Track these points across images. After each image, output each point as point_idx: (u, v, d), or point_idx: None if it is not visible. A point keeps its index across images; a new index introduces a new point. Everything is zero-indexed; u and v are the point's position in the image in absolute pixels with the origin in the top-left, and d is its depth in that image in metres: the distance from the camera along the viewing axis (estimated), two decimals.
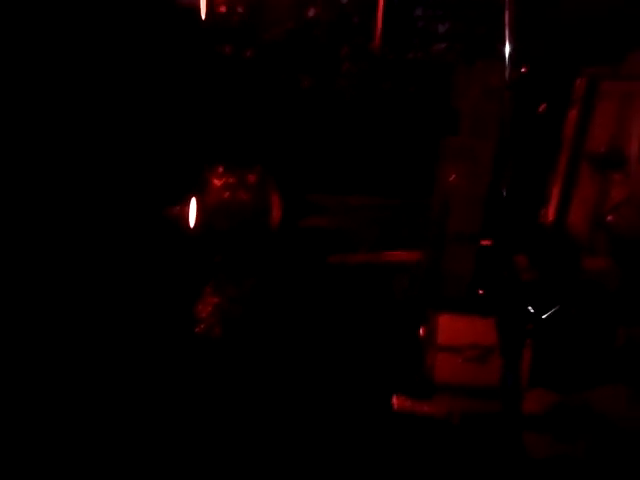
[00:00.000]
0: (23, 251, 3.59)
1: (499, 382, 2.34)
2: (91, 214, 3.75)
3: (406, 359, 3.17)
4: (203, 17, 3.73)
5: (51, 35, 3.59)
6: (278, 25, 4.01)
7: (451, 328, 2.98)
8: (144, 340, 3.55)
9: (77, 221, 3.69)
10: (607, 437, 2.50)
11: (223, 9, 3.96)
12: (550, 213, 3.07)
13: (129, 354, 3.49)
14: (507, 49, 2.22)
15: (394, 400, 2.99)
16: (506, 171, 2.47)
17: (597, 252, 2.87)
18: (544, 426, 2.64)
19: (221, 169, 4.01)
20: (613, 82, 2.75)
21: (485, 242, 3.02)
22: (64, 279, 3.60)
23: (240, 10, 3.99)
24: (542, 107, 2.85)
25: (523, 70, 2.74)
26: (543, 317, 2.46)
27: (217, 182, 4.02)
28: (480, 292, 3.00)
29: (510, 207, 2.88)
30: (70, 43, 3.65)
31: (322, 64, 4.02)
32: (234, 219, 3.96)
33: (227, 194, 4.00)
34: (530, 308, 2.45)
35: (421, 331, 3.12)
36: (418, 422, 2.96)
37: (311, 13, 4.02)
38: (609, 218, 2.69)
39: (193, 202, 3.84)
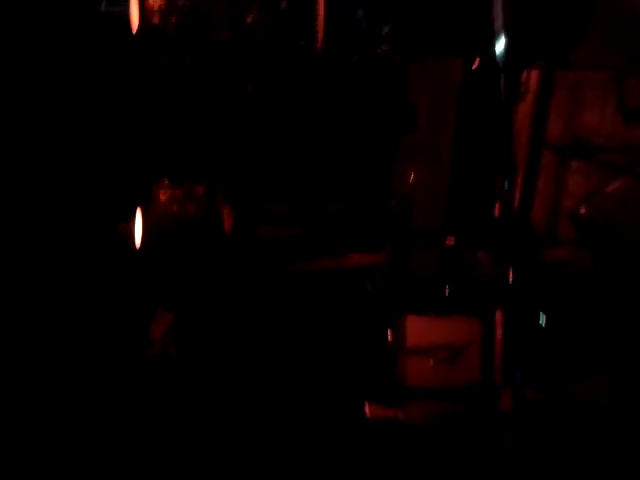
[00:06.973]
0: None
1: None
2: (32, 235, 3.55)
3: (376, 364, 3.11)
4: (134, 29, 3.60)
5: None
6: (215, 33, 3.90)
7: (419, 330, 2.92)
8: (97, 366, 3.37)
9: (18, 242, 3.50)
10: (592, 430, 2.50)
11: (156, 20, 3.82)
12: (508, 206, 3.06)
13: (81, 383, 3.31)
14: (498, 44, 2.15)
15: (366, 408, 2.92)
16: (464, 166, 2.44)
17: (558, 243, 2.88)
18: (525, 423, 2.62)
19: (166, 182, 3.87)
20: (568, 72, 2.78)
21: (449, 240, 2.99)
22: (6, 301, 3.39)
23: (174, 20, 3.86)
24: (500, 98, 2.81)
25: (475, 64, 2.73)
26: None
27: (163, 196, 3.87)
28: (446, 291, 2.97)
29: (469, 202, 2.87)
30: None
31: (264, 69, 3.93)
32: (183, 233, 3.82)
33: (174, 207, 3.86)
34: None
35: (389, 335, 3.05)
36: (393, 429, 2.90)
37: (249, 19, 3.92)
38: (582, 210, 2.70)
39: (138, 217, 3.69)
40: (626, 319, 2.65)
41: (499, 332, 2.81)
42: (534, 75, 2.80)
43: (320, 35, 3.81)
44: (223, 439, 3.12)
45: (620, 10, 2.68)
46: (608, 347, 2.69)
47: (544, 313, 2.72)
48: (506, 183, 2.83)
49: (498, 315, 2.83)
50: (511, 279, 2.80)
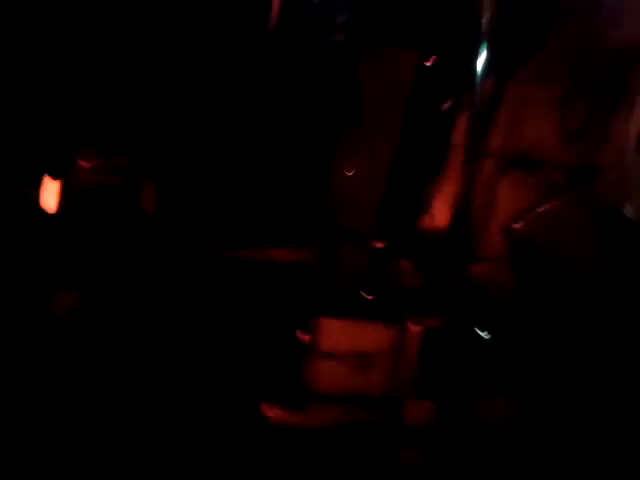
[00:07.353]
0: None
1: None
2: None
3: (285, 365, 2.98)
4: None
5: None
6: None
7: (333, 333, 2.82)
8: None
9: None
10: (489, 448, 2.48)
11: None
12: (437, 217, 3.01)
13: None
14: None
15: (267, 410, 2.79)
16: (402, 170, 2.36)
17: (481, 258, 2.86)
18: (424, 437, 2.57)
19: (88, 151, 3.65)
20: (516, 85, 2.76)
21: (377, 244, 2.91)
22: None
23: None
24: (447, 104, 2.77)
25: (429, 63, 2.66)
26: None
27: (84, 164, 3.65)
28: (367, 296, 2.88)
29: (401, 207, 2.79)
30: None
31: (210, 42, 3.75)
32: (101, 206, 3.61)
33: (94, 178, 3.65)
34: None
35: (302, 336, 2.94)
36: (292, 433, 2.79)
37: None
38: (517, 226, 2.67)
39: (52, 185, 3.46)
40: (542, 341, 2.65)
41: (413, 344, 2.76)
42: (490, 84, 2.76)
43: (273, 18, 3.67)
44: (120, 431, 2.92)
45: (573, 36, 2.70)
46: (519, 367, 2.67)
47: (461, 328, 2.68)
48: (438, 193, 2.79)
49: (414, 327, 2.77)
50: (431, 292, 2.75)
